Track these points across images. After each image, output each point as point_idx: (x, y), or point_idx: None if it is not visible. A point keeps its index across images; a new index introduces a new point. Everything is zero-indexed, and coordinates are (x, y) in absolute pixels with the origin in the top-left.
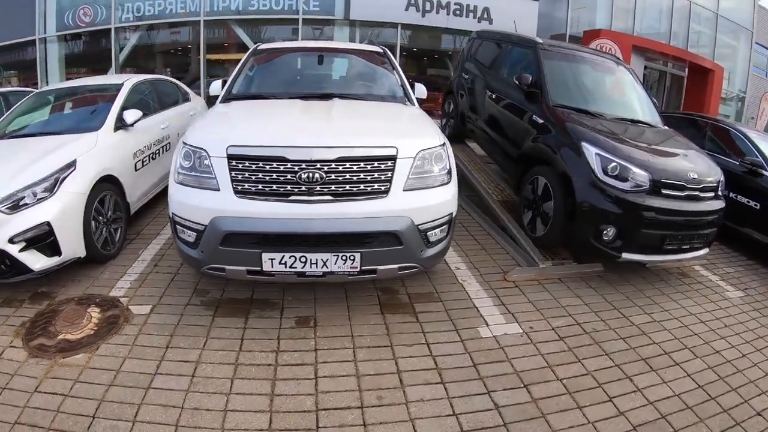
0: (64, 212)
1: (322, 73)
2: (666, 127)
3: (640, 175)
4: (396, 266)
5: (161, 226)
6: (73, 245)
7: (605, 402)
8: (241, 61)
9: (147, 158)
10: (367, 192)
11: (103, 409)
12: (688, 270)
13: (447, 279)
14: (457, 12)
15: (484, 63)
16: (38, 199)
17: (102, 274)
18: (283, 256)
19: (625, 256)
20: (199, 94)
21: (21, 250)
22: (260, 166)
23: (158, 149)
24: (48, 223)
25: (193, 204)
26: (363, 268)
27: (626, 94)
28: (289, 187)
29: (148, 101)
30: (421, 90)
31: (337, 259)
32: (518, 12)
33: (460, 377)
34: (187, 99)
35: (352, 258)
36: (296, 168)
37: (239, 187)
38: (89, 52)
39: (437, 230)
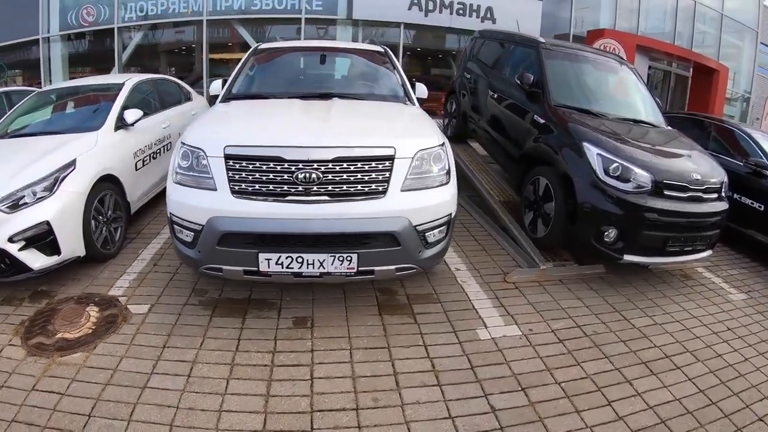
0: (63, 211)
1: (321, 73)
2: (669, 128)
3: (642, 176)
4: (393, 267)
5: (161, 225)
6: (72, 244)
7: (604, 406)
8: (242, 61)
9: (148, 158)
10: (364, 192)
11: (99, 408)
12: (691, 272)
13: (446, 280)
14: (460, 11)
15: (487, 63)
16: (38, 199)
17: (101, 273)
18: (280, 256)
19: (627, 258)
20: (201, 94)
21: (20, 249)
22: (257, 166)
23: (159, 149)
24: (47, 223)
25: (190, 204)
26: (360, 268)
27: (629, 94)
28: (286, 188)
29: (150, 101)
30: (421, 90)
31: (333, 259)
32: (521, 12)
33: (457, 380)
34: (188, 98)
35: (349, 259)
36: (293, 168)
37: (236, 187)
38: (92, 51)
39: (436, 231)
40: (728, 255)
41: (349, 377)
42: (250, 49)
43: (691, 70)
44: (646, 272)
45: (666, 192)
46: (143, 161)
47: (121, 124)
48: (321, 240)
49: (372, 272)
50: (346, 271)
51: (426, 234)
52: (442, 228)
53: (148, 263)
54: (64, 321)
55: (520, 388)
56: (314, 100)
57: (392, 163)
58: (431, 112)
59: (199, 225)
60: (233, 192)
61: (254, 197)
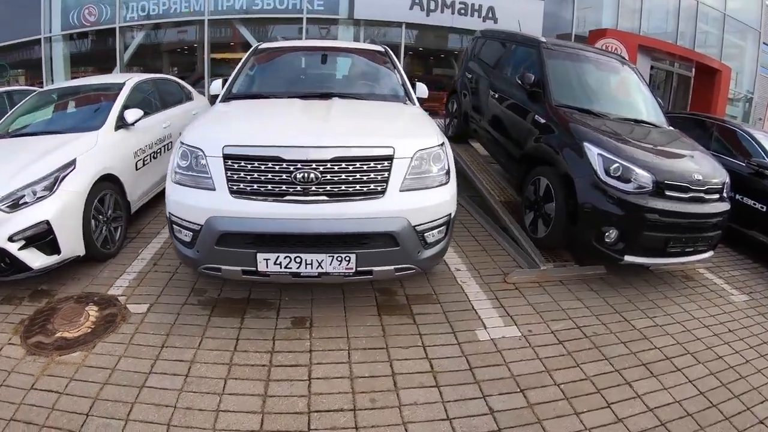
0: (63, 211)
1: (321, 73)
2: (671, 128)
3: (643, 176)
4: (392, 267)
5: (162, 225)
6: (72, 244)
7: (603, 408)
8: (242, 61)
9: (148, 157)
10: (363, 192)
11: (97, 407)
12: (692, 273)
13: (446, 280)
14: (462, 11)
15: (488, 62)
16: (38, 198)
17: (101, 272)
18: (278, 256)
19: (628, 258)
20: (203, 94)
21: (20, 249)
22: (255, 165)
23: (160, 148)
24: (47, 222)
25: (189, 204)
26: (359, 269)
27: (631, 94)
28: (284, 187)
29: (151, 100)
30: (422, 89)
31: (332, 259)
32: (523, 11)
33: (455, 381)
34: (190, 98)
35: (347, 259)
36: (291, 168)
37: (235, 187)
38: (94, 51)
39: (435, 231)
40: (730, 256)
41: (347, 378)
42: (251, 49)
43: (694, 70)
44: (647, 273)
45: (667, 192)
46: (144, 161)
47: (121, 123)
48: (319, 240)
49: (370, 272)
50: (344, 271)
51: (425, 234)
52: (441, 228)
53: (148, 263)
54: (64, 320)
55: (518, 390)
56: (314, 100)
57: (391, 163)
58: (433, 112)
59: (198, 225)
60: (232, 192)
61: (253, 197)
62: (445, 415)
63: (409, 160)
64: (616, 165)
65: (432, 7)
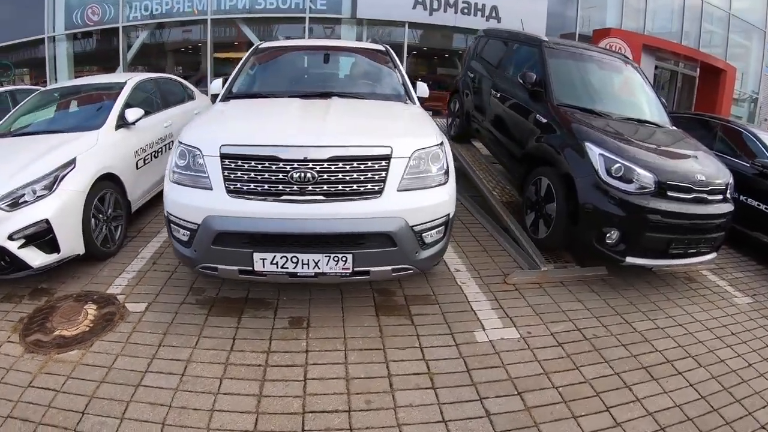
0: (63, 210)
1: (321, 72)
2: (674, 128)
3: (645, 177)
4: (390, 268)
5: (162, 224)
6: (72, 242)
7: (602, 412)
8: (242, 60)
9: (149, 156)
10: (360, 192)
11: (92, 405)
12: (695, 274)
13: (445, 281)
14: (465, 10)
15: (490, 62)
16: (38, 197)
17: (101, 271)
18: (275, 256)
19: (629, 260)
20: (205, 93)
21: (20, 247)
22: (252, 165)
23: (161, 147)
24: (47, 221)
25: (186, 203)
26: (356, 269)
27: (634, 94)
28: (281, 187)
29: (152, 99)
30: (422, 89)
31: (329, 260)
32: (527, 11)
33: (452, 383)
34: (192, 97)
35: (344, 259)
36: (288, 168)
37: (231, 187)
38: (98, 50)
39: (433, 231)
40: (733, 257)
41: (342, 378)
42: (251, 48)
43: (698, 70)
44: (649, 275)
45: (669, 193)
46: (144, 160)
47: (122, 122)
48: (316, 240)
49: (368, 273)
50: (341, 271)
51: (423, 234)
52: (440, 228)
53: (147, 262)
54: (63, 318)
55: (516, 392)
56: (313, 99)
57: (389, 163)
58: (436, 112)
59: (195, 224)
60: (229, 191)
61: (249, 197)
62: (440, 418)
63: (407, 159)
64: (618, 165)
65: (435, 6)
